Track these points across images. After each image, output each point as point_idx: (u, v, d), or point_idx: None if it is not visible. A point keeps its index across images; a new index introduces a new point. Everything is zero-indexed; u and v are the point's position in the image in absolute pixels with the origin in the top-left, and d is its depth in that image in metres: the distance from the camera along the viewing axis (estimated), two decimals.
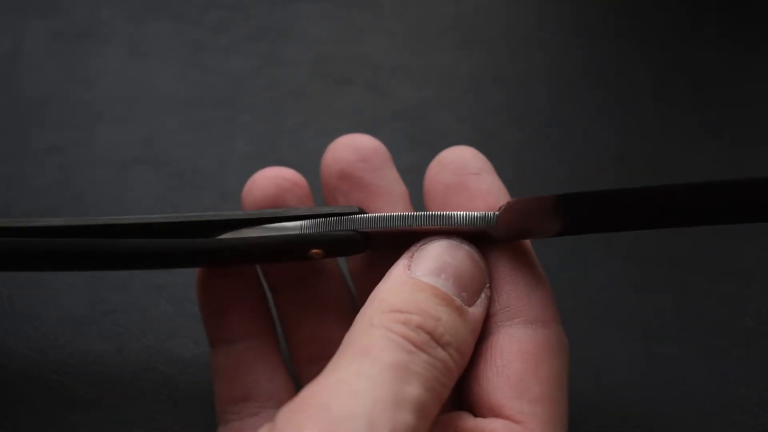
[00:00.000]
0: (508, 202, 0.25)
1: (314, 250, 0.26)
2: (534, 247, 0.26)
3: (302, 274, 0.28)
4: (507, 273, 0.25)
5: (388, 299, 0.23)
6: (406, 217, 0.25)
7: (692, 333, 0.33)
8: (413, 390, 0.21)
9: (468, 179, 0.26)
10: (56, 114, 0.39)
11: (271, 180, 0.28)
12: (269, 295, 0.29)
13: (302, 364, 0.28)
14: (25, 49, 0.41)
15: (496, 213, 0.25)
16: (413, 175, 0.30)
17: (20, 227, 0.26)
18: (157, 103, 0.39)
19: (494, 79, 0.41)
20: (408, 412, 0.20)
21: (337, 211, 0.26)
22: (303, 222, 0.26)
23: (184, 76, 0.40)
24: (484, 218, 0.25)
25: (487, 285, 0.25)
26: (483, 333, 0.25)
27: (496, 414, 0.23)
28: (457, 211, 0.25)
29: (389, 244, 0.26)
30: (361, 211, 0.26)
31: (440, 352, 0.22)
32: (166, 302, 0.33)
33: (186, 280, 0.33)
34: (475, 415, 0.24)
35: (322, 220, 0.26)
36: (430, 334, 0.22)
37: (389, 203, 0.27)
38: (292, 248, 0.26)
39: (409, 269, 0.24)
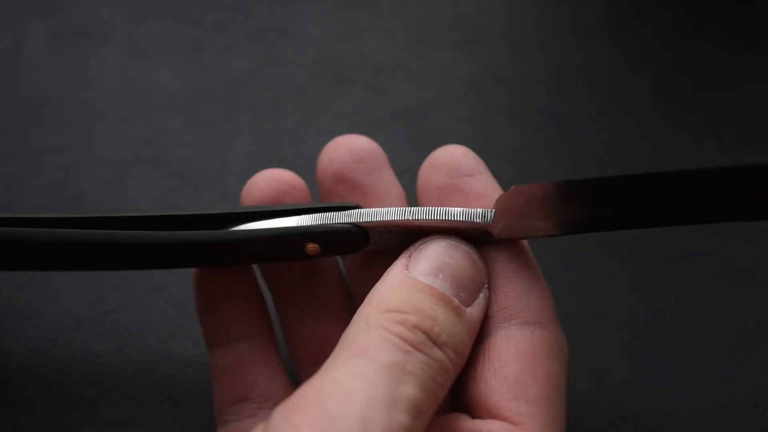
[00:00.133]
0: (507, 190, 0.25)
1: (311, 245, 0.26)
2: (533, 248, 0.26)
3: (302, 276, 0.28)
4: (505, 274, 0.25)
5: (385, 299, 0.23)
6: (403, 212, 0.25)
7: (692, 333, 0.33)
8: (409, 390, 0.21)
9: (462, 182, 0.26)
10: (56, 114, 0.39)
11: (270, 182, 0.28)
12: (269, 296, 0.29)
13: (303, 365, 0.28)
14: (25, 49, 0.41)
15: (494, 210, 0.25)
16: (413, 175, 0.30)
17: (30, 218, 0.26)
18: (157, 103, 0.39)
19: (494, 79, 0.41)
20: (403, 412, 0.20)
21: (335, 205, 0.26)
22: (301, 216, 0.26)
23: (184, 76, 0.40)
24: (482, 214, 0.25)
25: (486, 285, 0.25)
26: (481, 334, 0.25)
27: (493, 416, 0.23)
28: None
29: (387, 244, 0.26)
30: (360, 207, 0.26)
31: (437, 353, 0.22)
32: (166, 302, 0.33)
33: (186, 280, 0.32)
34: (473, 416, 0.24)
35: (320, 214, 0.26)
36: (427, 334, 0.22)
37: (386, 205, 0.27)
38: (290, 241, 0.26)
39: (407, 269, 0.24)
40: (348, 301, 0.29)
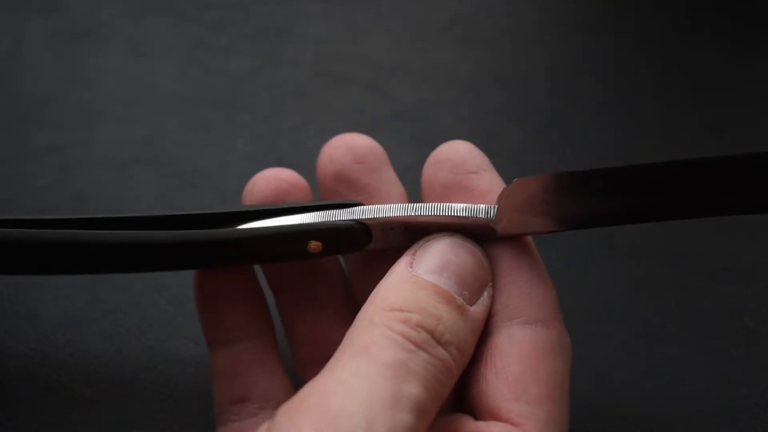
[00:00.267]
0: (510, 183, 0.24)
1: (314, 243, 0.26)
2: (536, 245, 0.26)
3: (303, 276, 0.28)
4: (508, 272, 0.25)
5: (389, 297, 0.23)
6: (405, 208, 0.25)
7: (692, 333, 0.33)
8: (412, 389, 0.21)
9: (466, 178, 0.26)
10: (56, 114, 0.39)
11: (271, 182, 0.27)
12: (271, 296, 0.29)
13: (304, 365, 0.28)
14: (25, 49, 0.41)
15: (497, 206, 0.24)
16: (413, 175, 0.30)
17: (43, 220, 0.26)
18: (157, 103, 0.39)
19: (495, 78, 0.41)
20: (406, 411, 0.20)
21: (336, 202, 0.26)
22: (303, 214, 0.26)
23: (184, 75, 0.40)
24: (485, 210, 0.24)
25: (490, 284, 0.25)
26: (483, 333, 0.24)
27: (495, 416, 0.23)
28: None
29: (389, 242, 0.26)
30: (362, 204, 0.26)
31: (440, 351, 0.22)
32: (166, 302, 0.33)
33: (186, 280, 0.32)
34: (476, 417, 0.24)
35: (321, 212, 0.26)
36: (431, 333, 0.22)
37: None
38: (292, 239, 0.26)
39: (411, 267, 0.24)
40: (349, 302, 0.29)
